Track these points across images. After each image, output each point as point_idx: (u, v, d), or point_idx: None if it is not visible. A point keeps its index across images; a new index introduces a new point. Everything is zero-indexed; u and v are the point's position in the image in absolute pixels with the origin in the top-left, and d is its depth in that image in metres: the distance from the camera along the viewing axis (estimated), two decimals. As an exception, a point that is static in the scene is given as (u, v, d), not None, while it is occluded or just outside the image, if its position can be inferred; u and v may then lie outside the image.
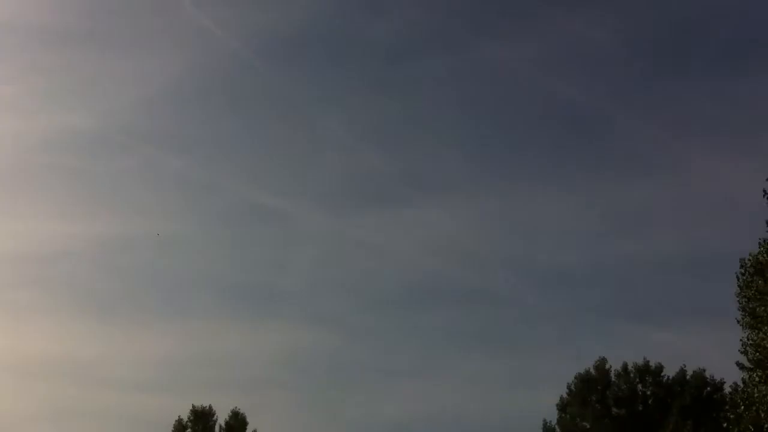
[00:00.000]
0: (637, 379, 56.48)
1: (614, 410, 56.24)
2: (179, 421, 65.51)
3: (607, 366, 57.17)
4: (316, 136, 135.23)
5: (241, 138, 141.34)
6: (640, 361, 56.74)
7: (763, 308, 26.91)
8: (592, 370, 57.25)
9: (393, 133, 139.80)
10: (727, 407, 31.34)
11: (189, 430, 65.15)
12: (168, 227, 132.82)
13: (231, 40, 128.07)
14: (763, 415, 26.93)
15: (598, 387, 56.70)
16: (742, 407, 28.21)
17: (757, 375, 27.37)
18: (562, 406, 57.50)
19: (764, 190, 26.59)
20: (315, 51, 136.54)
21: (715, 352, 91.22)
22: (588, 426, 55.78)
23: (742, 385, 29.33)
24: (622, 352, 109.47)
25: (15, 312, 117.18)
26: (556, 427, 57.56)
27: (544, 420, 57.80)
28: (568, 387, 57.45)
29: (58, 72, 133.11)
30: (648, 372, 56.49)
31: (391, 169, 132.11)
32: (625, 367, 56.74)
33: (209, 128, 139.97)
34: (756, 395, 27.21)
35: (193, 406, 66.01)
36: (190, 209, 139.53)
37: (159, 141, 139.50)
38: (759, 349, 27.08)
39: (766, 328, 26.68)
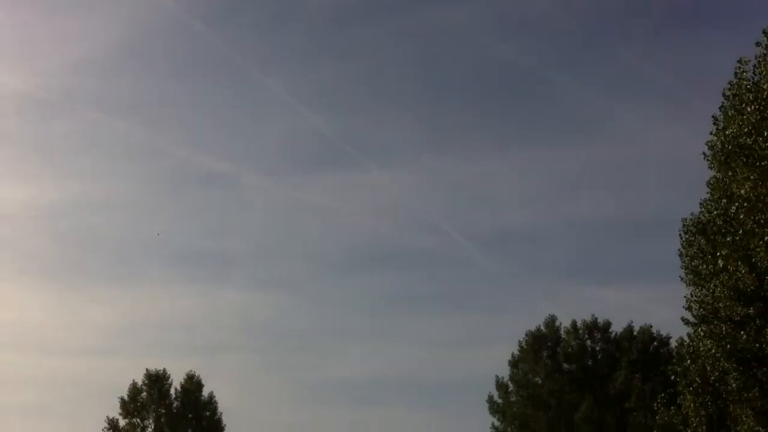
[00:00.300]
0: (586, 336, 58.10)
1: (565, 366, 57.80)
2: (134, 384, 65.40)
3: (557, 323, 58.72)
4: (261, 99, 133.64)
5: (184, 101, 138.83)
6: (588, 318, 58.52)
7: (705, 266, 27.91)
8: (542, 328, 58.62)
9: (337, 96, 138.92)
10: (674, 361, 32.53)
11: (144, 393, 65.18)
12: (112, 191, 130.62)
13: (172, 2, 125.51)
14: (708, 368, 28.07)
15: (549, 344, 58.13)
16: (689, 361, 29.34)
17: (702, 330, 28.41)
18: (514, 363, 58.81)
19: (703, 153, 27.50)
20: (257, 13, 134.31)
21: (661, 309, 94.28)
22: (539, 381, 57.23)
23: (688, 340, 30.46)
24: (571, 310, 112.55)
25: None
26: (509, 383, 58.98)
27: (497, 377, 59.39)
28: (520, 344, 58.78)
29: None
30: (596, 328, 58.11)
31: (336, 132, 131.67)
32: (574, 324, 58.28)
33: (152, 91, 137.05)
34: (702, 349, 28.28)
35: (147, 370, 65.93)
36: (134, 173, 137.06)
37: (100, 103, 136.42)
38: (703, 305, 28.08)
39: (709, 285, 27.67)
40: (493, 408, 58.62)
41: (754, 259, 25.15)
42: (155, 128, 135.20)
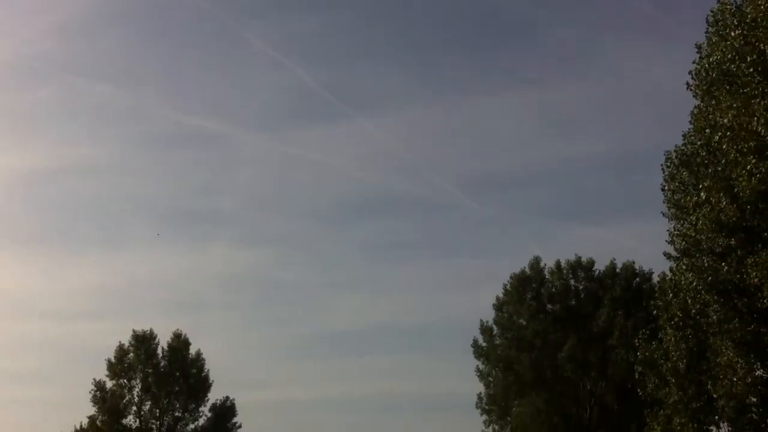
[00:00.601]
0: (570, 275, 58.29)
1: (549, 306, 58.06)
2: (121, 346, 65.34)
3: (542, 264, 58.71)
4: (242, 54, 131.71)
5: (165, 61, 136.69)
6: (572, 258, 58.56)
7: (687, 199, 27.90)
8: (527, 269, 58.70)
9: (319, 47, 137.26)
10: (656, 296, 32.73)
11: (131, 354, 65.19)
12: (97, 156, 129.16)
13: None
14: (690, 301, 28.27)
15: (533, 285, 58.24)
16: (671, 295, 29.51)
17: (683, 263, 28.54)
18: (499, 306, 59.01)
19: (687, 83, 27.21)
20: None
21: (643, 245, 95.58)
22: (524, 323, 57.54)
23: (670, 274, 30.62)
24: (557, 251, 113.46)
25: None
26: (494, 326, 59.34)
27: (481, 320, 59.67)
28: (504, 287, 58.84)
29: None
30: (580, 267, 58.25)
31: (320, 83, 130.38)
32: (558, 264, 58.31)
33: (132, 52, 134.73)
34: (683, 283, 28.44)
35: (134, 331, 65.87)
36: (117, 136, 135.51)
37: (81, 68, 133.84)
38: (685, 238, 28.14)
39: (690, 217, 27.70)
40: (478, 351, 59.05)
41: (736, 189, 25.14)
42: (138, 90, 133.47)
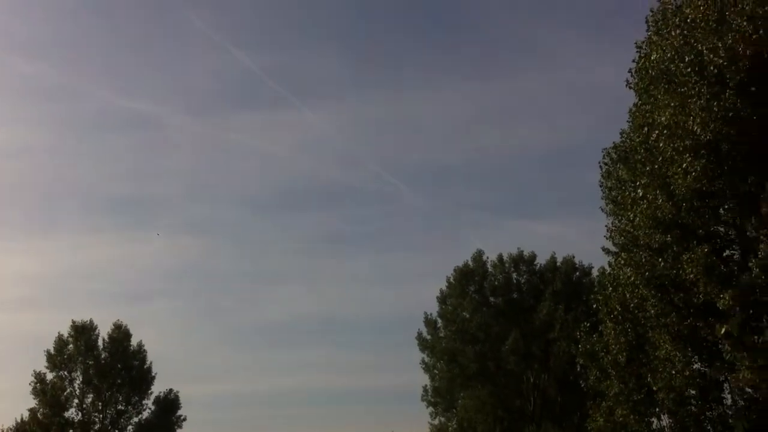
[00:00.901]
0: (512, 269, 58.93)
1: (492, 299, 58.57)
2: (59, 337, 63.87)
3: (485, 258, 59.22)
4: (182, 35, 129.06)
5: (102, 39, 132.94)
6: (514, 252, 59.22)
7: (626, 195, 28.30)
8: (470, 263, 59.12)
9: (262, 32, 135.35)
10: (595, 290, 33.18)
11: (71, 345, 63.73)
12: (28, 137, 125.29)
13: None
14: (628, 295, 28.72)
15: (476, 278, 58.70)
16: (610, 289, 29.94)
17: (622, 258, 28.96)
18: (443, 299, 59.34)
19: (626, 80, 27.59)
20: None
21: (582, 240, 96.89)
22: (467, 316, 57.93)
23: (609, 269, 31.05)
24: (500, 244, 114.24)
25: None
26: (438, 319, 59.67)
27: (425, 313, 60.01)
28: (448, 280, 59.28)
29: None
30: (522, 261, 58.90)
31: (262, 68, 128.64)
32: (500, 257, 58.89)
33: (63, 28, 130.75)
34: (622, 277, 28.88)
35: (73, 321, 64.36)
36: (48, 118, 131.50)
37: (9, 44, 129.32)
38: (623, 234, 28.56)
39: (628, 214, 28.10)
40: (423, 344, 59.36)
41: (672, 187, 25.57)
42: (71, 69, 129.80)
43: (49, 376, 63.05)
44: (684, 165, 24.52)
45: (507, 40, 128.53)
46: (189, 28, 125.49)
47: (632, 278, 27.98)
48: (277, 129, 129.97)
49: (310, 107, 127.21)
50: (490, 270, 58.94)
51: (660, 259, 26.91)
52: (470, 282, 58.57)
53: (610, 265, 30.62)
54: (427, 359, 59.45)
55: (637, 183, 26.96)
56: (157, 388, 65.37)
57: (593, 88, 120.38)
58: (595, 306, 32.31)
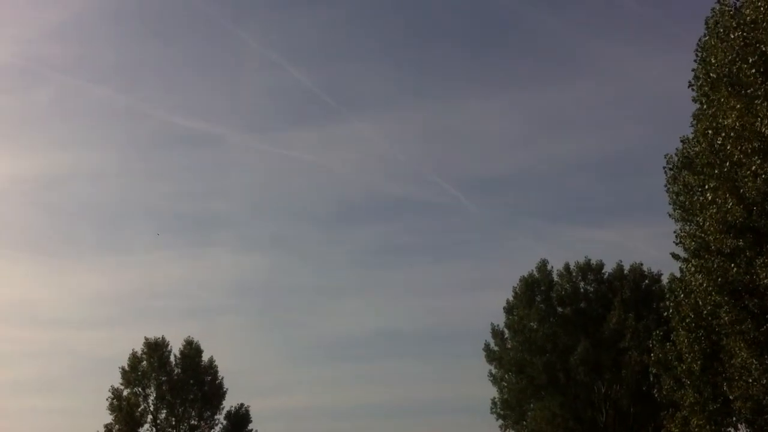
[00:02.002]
0: (579, 278, 58.03)
1: (559, 309, 57.80)
2: (133, 354, 65.43)
3: (549, 267, 58.52)
4: (238, 54, 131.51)
5: (162, 61, 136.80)
6: (580, 260, 58.28)
7: (693, 200, 27.78)
8: (535, 272, 58.53)
9: (315, 46, 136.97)
10: (667, 297, 32.53)
11: (144, 362, 65.27)
12: (97, 159, 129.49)
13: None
14: (701, 302, 28.10)
15: (542, 288, 58.00)
16: (681, 296, 29.35)
17: (692, 265, 28.39)
18: (509, 309, 58.74)
19: (689, 82, 27.10)
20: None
21: (649, 246, 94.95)
22: (534, 326, 57.28)
23: (679, 275, 30.43)
24: (562, 253, 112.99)
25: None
26: (505, 329, 59.12)
27: (492, 324, 59.49)
28: (514, 290, 58.62)
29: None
30: (589, 270, 58.00)
31: (316, 83, 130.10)
32: (567, 266, 58.12)
33: (129, 53, 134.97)
34: (693, 284, 28.28)
35: (146, 339, 65.98)
36: (116, 139, 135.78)
37: (74, 70, 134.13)
38: (693, 240, 28.02)
39: (697, 219, 27.57)
40: (490, 355, 58.89)
41: (742, 190, 24.98)
42: (134, 92, 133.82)
43: (124, 392, 64.61)
44: (753, 168, 23.94)
45: (560, 50, 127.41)
46: (243, 46, 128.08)
47: (704, 285, 27.42)
48: (333, 143, 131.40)
49: (365, 121, 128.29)
50: (556, 279, 58.29)
51: (732, 265, 26.30)
52: (536, 292, 57.99)
53: (681, 271, 30.04)
54: (494, 371, 58.99)
55: (705, 187, 26.42)
56: (228, 403, 66.50)
57: (647, 95, 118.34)
58: (666, 314, 31.77)
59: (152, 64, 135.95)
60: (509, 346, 58.37)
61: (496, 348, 58.95)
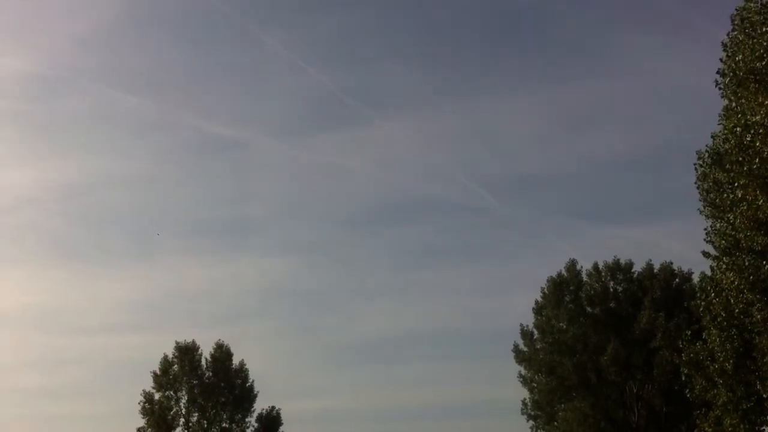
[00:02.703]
0: (609, 277, 57.58)
1: (588, 309, 57.40)
2: (165, 358, 66.01)
3: (578, 267, 58.15)
4: (264, 60, 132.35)
5: (189, 69, 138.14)
6: (609, 260, 57.82)
7: (723, 197, 27.53)
8: (563, 272, 58.17)
9: (339, 50, 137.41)
10: (697, 296, 32.24)
11: (176, 366, 65.78)
12: (126, 167, 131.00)
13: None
14: (732, 300, 27.84)
15: (571, 288, 57.64)
16: (713, 295, 29.08)
17: (724, 262, 28.14)
18: (538, 310, 58.46)
19: (715, 81, 26.88)
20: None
21: (678, 244, 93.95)
22: (564, 326, 56.96)
23: (710, 274, 30.16)
24: (590, 252, 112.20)
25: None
26: (534, 330, 58.88)
27: (521, 324, 59.22)
28: (542, 290, 58.32)
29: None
30: (619, 269, 57.56)
31: (340, 87, 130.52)
32: (596, 266, 57.71)
33: (156, 61, 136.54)
34: (724, 282, 28.02)
35: (177, 342, 66.42)
36: (146, 147, 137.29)
37: (107, 78, 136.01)
38: (725, 237, 27.77)
39: (727, 216, 27.32)
40: (520, 356, 58.66)
41: (772, 187, 24.73)
42: (163, 99, 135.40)
43: (156, 396, 65.20)
44: (784, 163, 23.71)
45: (587, 46, 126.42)
46: (269, 52, 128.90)
47: (736, 282, 27.13)
48: (361, 146, 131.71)
49: (392, 122, 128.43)
50: (585, 279, 57.90)
51: (764, 262, 26.02)
52: (565, 292, 57.65)
53: (711, 269, 29.77)
54: (524, 372, 58.74)
55: (735, 184, 26.17)
56: (259, 406, 66.87)
57: (675, 91, 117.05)
58: (697, 312, 31.46)
59: (181, 72, 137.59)
60: (539, 347, 58.12)
61: (525, 349, 58.70)
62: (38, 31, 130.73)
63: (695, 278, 50.84)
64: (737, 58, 25.04)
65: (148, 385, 65.32)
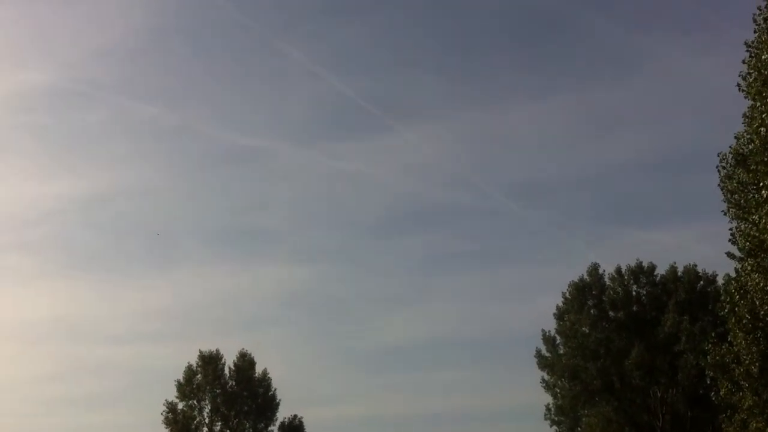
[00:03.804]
0: (632, 281, 57.17)
1: (611, 313, 57.06)
2: (189, 367, 66.38)
3: (600, 271, 57.81)
4: (282, 68, 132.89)
5: (208, 78, 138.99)
6: (632, 263, 57.38)
7: (748, 198, 27.32)
8: (585, 276, 57.88)
9: (358, 57, 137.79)
10: (722, 299, 31.96)
11: (199, 375, 66.14)
12: (148, 177, 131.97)
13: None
14: (758, 302, 27.60)
15: (594, 292, 57.36)
16: (737, 297, 28.83)
17: (749, 264, 27.90)
18: (560, 315, 58.22)
19: (738, 84, 26.74)
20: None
21: (702, 246, 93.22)
22: (587, 331, 56.63)
23: (735, 276, 29.89)
24: (612, 256, 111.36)
25: (6, 278, 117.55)
26: (556, 335, 58.60)
27: (543, 330, 58.97)
28: (564, 295, 58.10)
29: (10, 27, 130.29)
30: (642, 272, 57.14)
31: (360, 94, 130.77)
32: (618, 270, 57.30)
33: (175, 71, 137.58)
34: (750, 284, 27.78)
35: (201, 352, 66.80)
36: (166, 157, 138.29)
37: (126, 90, 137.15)
38: (749, 239, 27.54)
39: (753, 217, 27.11)
40: (542, 362, 58.40)
41: (798, 187, 24.52)
42: (182, 109, 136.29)
43: (180, 405, 65.56)
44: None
45: (607, 49, 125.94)
46: (287, 60, 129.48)
47: (761, 284, 26.89)
48: (380, 153, 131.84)
49: (411, 129, 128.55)
50: (607, 283, 57.55)
51: (790, 263, 25.78)
52: (587, 296, 57.35)
53: (736, 271, 29.50)
54: (547, 377, 58.47)
55: (760, 185, 25.97)
56: (282, 414, 67.04)
57: (696, 90, 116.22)
58: (722, 315, 31.20)
59: (202, 82, 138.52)
60: (561, 352, 57.82)
61: (547, 354, 58.44)
62: (59, 45, 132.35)
63: (720, 280, 50.69)
64: (762, 58, 24.90)
65: (172, 394, 65.84)
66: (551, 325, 58.66)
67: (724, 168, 28.79)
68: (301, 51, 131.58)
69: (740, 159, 27.62)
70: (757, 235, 26.77)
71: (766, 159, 25.33)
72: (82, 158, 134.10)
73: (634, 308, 56.80)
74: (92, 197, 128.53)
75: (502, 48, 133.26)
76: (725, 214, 28.82)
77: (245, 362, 66.99)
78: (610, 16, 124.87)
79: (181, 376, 66.06)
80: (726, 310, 30.19)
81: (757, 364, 28.78)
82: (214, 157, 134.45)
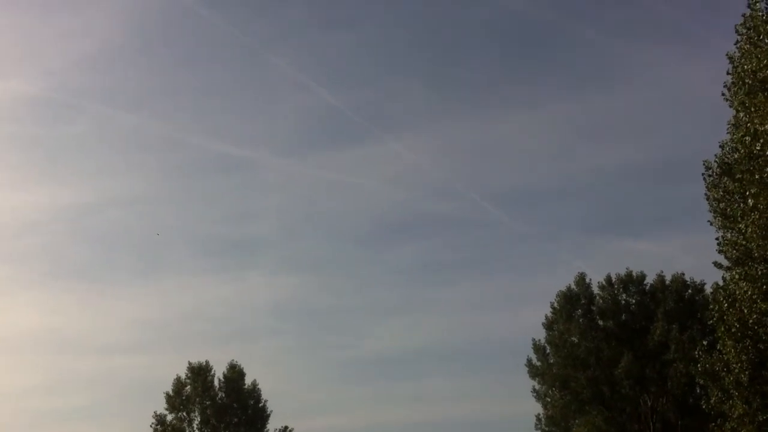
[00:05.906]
0: (621, 290, 57.30)
1: (600, 322, 57.18)
2: (178, 379, 65.94)
3: (588, 280, 57.94)
4: (268, 78, 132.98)
5: (193, 88, 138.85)
6: (620, 272, 57.52)
7: (735, 206, 27.42)
8: (573, 286, 57.97)
9: (344, 68, 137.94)
10: (711, 307, 32.02)
11: (189, 387, 65.66)
12: (131, 187, 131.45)
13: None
14: (746, 311, 27.64)
15: (582, 301, 57.47)
16: (726, 305, 28.88)
17: (736, 273, 27.95)
18: (549, 325, 58.29)
19: (722, 93, 26.89)
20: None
21: (685, 255, 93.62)
22: (576, 340, 56.70)
23: (723, 284, 29.95)
24: (600, 265, 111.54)
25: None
26: (546, 345, 58.59)
27: (533, 339, 58.99)
28: (552, 305, 58.18)
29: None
30: (631, 282, 57.28)
31: (347, 105, 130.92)
32: (608, 279, 57.43)
33: (159, 81, 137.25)
34: (738, 293, 27.83)
35: (190, 363, 66.34)
36: (151, 166, 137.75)
37: (109, 99, 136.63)
38: (736, 247, 27.61)
39: (739, 225, 27.19)
40: (533, 371, 58.39)
41: (783, 196, 24.61)
42: (167, 118, 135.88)
43: (169, 417, 65.05)
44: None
45: (596, 58, 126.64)
46: (272, 70, 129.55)
47: (749, 293, 26.92)
48: (368, 163, 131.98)
49: (399, 139, 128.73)
50: (596, 292, 57.68)
51: (777, 271, 25.83)
52: (576, 306, 57.42)
53: (724, 280, 29.56)
54: (537, 386, 58.47)
55: (746, 193, 26.06)
56: (272, 425, 66.62)
57: (683, 99, 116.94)
58: (711, 323, 31.23)
59: (181, 91, 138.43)
60: (551, 362, 57.82)
61: (538, 363, 58.44)
62: (43, 55, 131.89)
63: (708, 289, 50.83)
64: (745, 68, 25.07)
65: (161, 406, 65.34)
66: (541, 334, 58.82)
67: (710, 176, 28.92)
68: (288, 61, 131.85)
69: (725, 168, 27.75)
70: (744, 243, 26.84)
71: (751, 168, 25.44)
72: (67, 168, 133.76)
73: (623, 317, 56.87)
74: (79, 207, 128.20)
75: (490, 58, 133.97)
76: (711, 223, 28.91)
77: (235, 373, 66.56)
78: (597, 27, 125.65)
79: (170, 388, 65.66)
80: (715, 319, 30.22)
81: (746, 372, 28.76)
82: (201, 167, 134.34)
